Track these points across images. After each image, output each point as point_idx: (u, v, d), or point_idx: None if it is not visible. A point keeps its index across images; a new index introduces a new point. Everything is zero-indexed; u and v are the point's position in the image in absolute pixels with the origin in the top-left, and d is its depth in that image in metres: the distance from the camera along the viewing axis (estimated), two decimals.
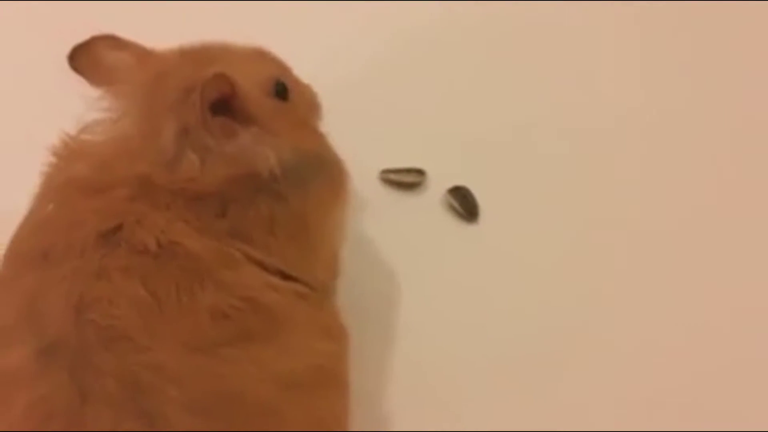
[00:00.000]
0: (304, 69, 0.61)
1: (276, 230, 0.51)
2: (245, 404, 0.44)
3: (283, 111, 0.55)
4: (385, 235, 0.69)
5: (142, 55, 0.53)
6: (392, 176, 0.72)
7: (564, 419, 0.61)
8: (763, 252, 0.68)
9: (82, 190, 0.48)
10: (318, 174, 0.55)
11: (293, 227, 0.52)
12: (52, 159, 0.51)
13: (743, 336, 0.64)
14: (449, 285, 0.67)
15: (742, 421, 0.59)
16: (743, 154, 0.73)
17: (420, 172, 0.72)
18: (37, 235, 0.48)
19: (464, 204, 0.70)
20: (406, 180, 0.71)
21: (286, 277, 0.50)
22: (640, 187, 0.72)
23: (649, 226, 0.69)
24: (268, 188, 0.50)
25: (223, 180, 0.49)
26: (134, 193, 0.47)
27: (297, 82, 0.59)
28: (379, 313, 0.66)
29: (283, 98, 0.56)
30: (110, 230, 0.46)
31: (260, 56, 0.58)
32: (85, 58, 0.53)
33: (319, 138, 0.59)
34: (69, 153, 0.51)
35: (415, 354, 0.64)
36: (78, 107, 0.52)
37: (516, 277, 0.67)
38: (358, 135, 0.71)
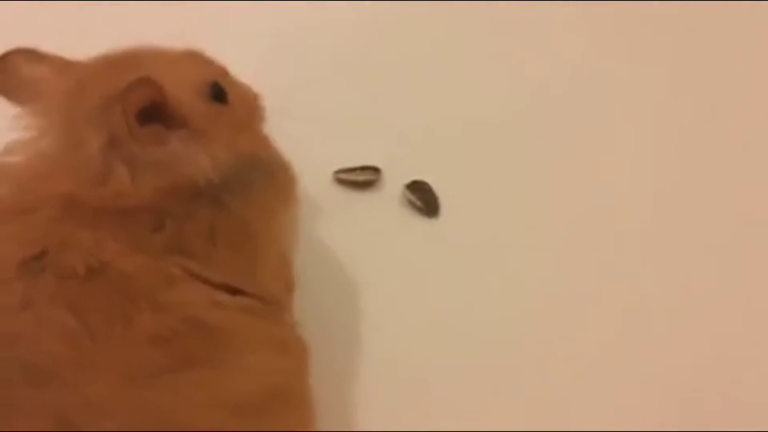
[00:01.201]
0: (248, 68, 0.57)
1: (218, 241, 0.47)
2: None
3: (220, 115, 0.51)
4: (343, 238, 0.66)
5: (61, 66, 0.50)
6: (345, 176, 0.68)
7: (533, 416, 0.58)
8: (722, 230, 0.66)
9: (0, 216, 0.44)
10: (260, 178, 0.51)
11: (236, 237, 0.48)
12: None
13: (723, 324, 0.62)
14: (414, 282, 0.64)
15: (737, 421, 0.57)
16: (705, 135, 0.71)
17: (375, 170, 0.68)
18: None
19: (424, 199, 0.67)
20: (360, 179, 0.68)
21: (232, 291, 0.47)
22: (606, 177, 0.69)
23: (614, 215, 0.67)
24: (205, 197, 0.47)
25: (156, 191, 0.45)
26: (58, 214, 0.43)
27: (235, 84, 0.56)
28: (342, 319, 0.63)
29: (221, 101, 0.52)
30: (33, 257, 0.42)
31: (193, 59, 0.54)
32: (1, 75, 0.49)
33: (261, 141, 0.55)
34: None
35: (383, 357, 0.61)
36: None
37: (482, 271, 0.64)
38: (306, 136, 0.68)
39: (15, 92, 0.49)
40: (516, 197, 0.68)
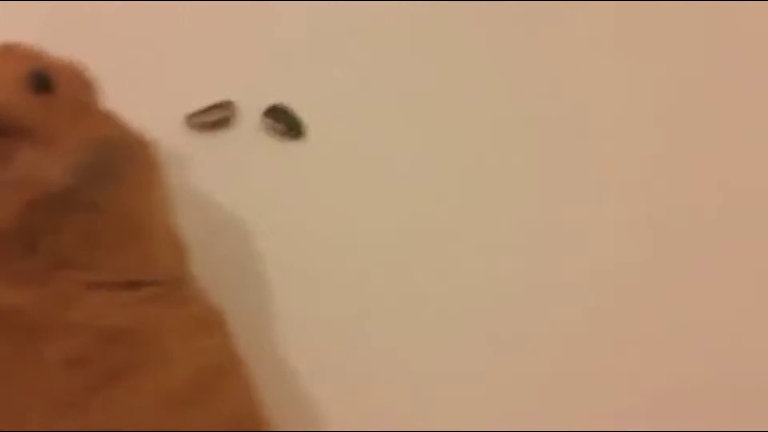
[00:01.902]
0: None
1: (101, 242, 0.45)
2: None
3: (54, 104, 0.48)
4: (212, 182, 0.63)
5: None
6: (199, 119, 0.65)
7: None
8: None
9: None
10: (122, 162, 0.48)
11: (119, 229, 0.46)
12: None
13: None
14: (293, 208, 0.63)
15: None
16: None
17: (228, 106, 0.66)
18: None
19: (285, 122, 0.65)
20: (215, 118, 0.65)
21: (133, 286, 0.45)
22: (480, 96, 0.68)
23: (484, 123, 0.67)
24: (73, 200, 0.44)
25: (17, 212, 0.42)
26: None
27: (57, 64, 0.52)
28: (238, 269, 0.61)
29: (48, 89, 0.48)
30: None
31: (6, 53, 0.50)
32: None
33: (106, 119, 0.52)
34: None
35: (289, 294, 0.60)
36: None
37: (358, 184, 0.64)
38: (147, 87, 0.65)
39: None
40: (380, 108, 0.67)
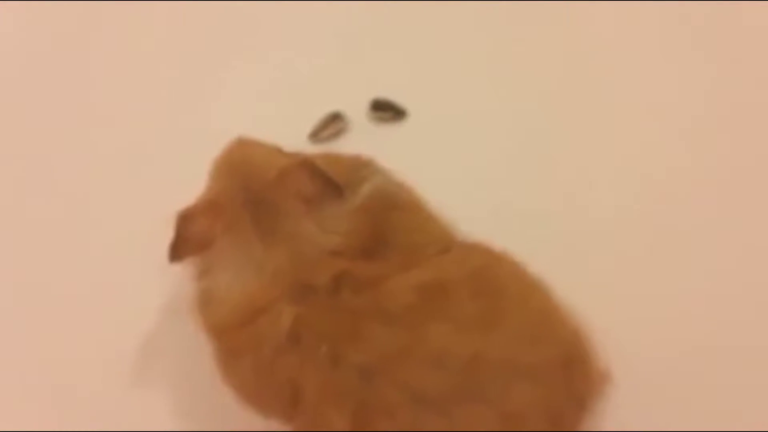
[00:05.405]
0: None
1: (416, 227, 0.59)
2: None
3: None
4: None
5: (212, 206, 0.56)
6: (323, 134, 0.77)
7: None
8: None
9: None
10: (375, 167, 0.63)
11: (419, 216, 0.60)
12: None
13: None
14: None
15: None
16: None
17: (338, 116, 0.78)
18: None
19: (390, 107, 0.78)
20: (334, 130, 0.77)
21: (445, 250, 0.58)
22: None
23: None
24: (397, 203, 0.59)
25: (373, 226, 0.56)
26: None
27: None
28: None
29: None
30: None
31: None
32: (184, 245, 0.56)
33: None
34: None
35: None
36: None
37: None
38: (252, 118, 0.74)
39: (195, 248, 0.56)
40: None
